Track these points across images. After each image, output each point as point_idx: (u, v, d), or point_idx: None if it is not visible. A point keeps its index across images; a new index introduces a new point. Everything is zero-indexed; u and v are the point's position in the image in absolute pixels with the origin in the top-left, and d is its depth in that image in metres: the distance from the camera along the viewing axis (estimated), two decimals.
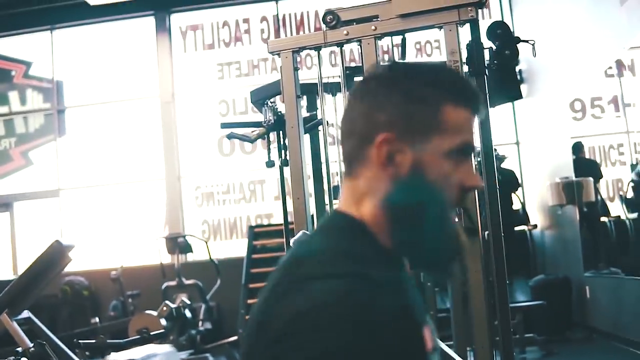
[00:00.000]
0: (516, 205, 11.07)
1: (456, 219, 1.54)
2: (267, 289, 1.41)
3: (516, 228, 10.85)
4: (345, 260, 1.37)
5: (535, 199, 11.57)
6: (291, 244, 3.03)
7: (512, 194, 10.65)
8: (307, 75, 7.51)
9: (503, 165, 10.41)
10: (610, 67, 8.10)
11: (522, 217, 11.28)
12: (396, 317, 1.27)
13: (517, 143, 12.23)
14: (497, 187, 4.54)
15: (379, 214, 1.48)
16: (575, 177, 9.19)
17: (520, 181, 11.31)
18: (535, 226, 11.33)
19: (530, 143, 11.86)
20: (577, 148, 9.25)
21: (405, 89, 1.49)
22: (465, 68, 4.55)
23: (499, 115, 10.96)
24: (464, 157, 1.50)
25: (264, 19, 12.72)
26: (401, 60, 1.52)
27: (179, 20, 12.89)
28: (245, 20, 12.76)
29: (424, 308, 1.52)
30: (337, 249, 1.42)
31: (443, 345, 4.05)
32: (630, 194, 8.18)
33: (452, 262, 1.54)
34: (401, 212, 1.47)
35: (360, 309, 1.24)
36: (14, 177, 12.93)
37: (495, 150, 5.22)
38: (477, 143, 1.54)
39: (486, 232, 4.56)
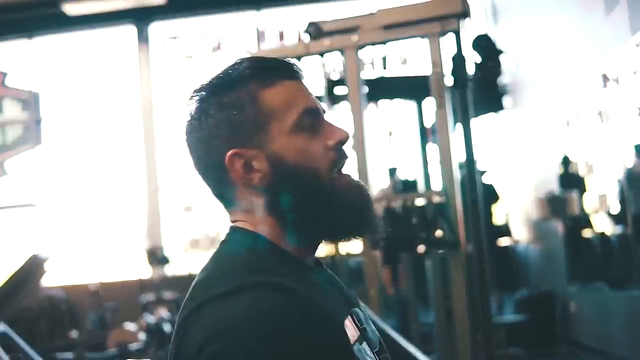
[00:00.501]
0: (499, 219, 11.03)
1: (352, 179, 1.53)
2: (179, 317, 1.42)
3: (500, 242, 10.81)
4: (243, 274, 1.38)
5: (519, 213, 11.54)
6: None
7: (492, 208, 10.60)
8: None
9: (483, 179, 10.36)
10: (595, 79, 8.07)
11: (505, 230, 11.25)
12: (301, 319, 1.28)
13: (501, 156, 12.19)
14: (478, 200, 4.50)
15: (270, 221, 1.49)
16: (560, 190, 9.17)
17: (499, 195, 11.26)
18: (517, 240, 11.31)
19: (514, 156, 11.84)
20: (565, 162, 9.23)
21: (218, 104, 1.50)
22: (450, 80, 4.52)
23: (483, 127, 10.94)
24: (313, 121, 1.49)
25: (245, 29, 12.65)
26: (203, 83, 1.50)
27: (159, 30, 12.80)
28: (226, 31, 12.69)
29: (347, 300, 1.57)
30: (236, 265, 1.43)
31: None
32: (614, 208, 8.15)
33: (365, 216, 1.51)
34: (288, 207, 1.47)
35: (264, 319, 1.26)
36: None
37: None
38: (313, 102, 1.52)
39: (469, 246, 4.51)
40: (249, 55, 1.57)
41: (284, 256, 1.47)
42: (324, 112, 1.54)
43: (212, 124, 1.50)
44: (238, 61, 1.53)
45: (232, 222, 1.55)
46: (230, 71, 1.53)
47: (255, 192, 1.49)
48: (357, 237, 1.56)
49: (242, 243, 1.49)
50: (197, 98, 1.55)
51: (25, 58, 12.88)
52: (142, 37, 12.65)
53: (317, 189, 1.46)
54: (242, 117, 1.48)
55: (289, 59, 1.55)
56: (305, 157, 1.46)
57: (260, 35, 12.49)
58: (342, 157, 1.50)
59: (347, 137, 1.50)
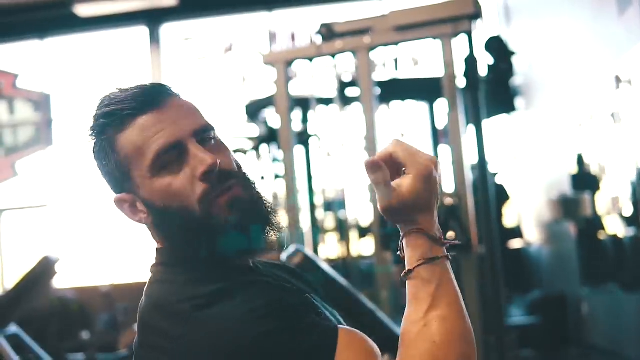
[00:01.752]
0: (511, 221, 11.00)
1: (231, 200, 1.49)
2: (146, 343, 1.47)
3: (512, 244, 10.77)
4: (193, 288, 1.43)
5: (531, 214, 11.50)
6: (282, 258, 2.96)
7: (504, 209, 10.56)
8: (301, 91, 7.42)
9: (495, 180, 10.31)
10: (608, 81, 8.04)
11: (517, 232, 11.21)
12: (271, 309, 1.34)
13: (514, 157, 12.16)
14: (490, 202, 4.49)
15: (175, 249, 1.53)
16: (573, 192, 9.12)
17: (511, 196, 11.21)
18: (529, 242, 11.27)
19: (526, 157, 11.80)
20: (578, 163, 9.18)
21: (93, 153, 1.56)
22: (462, 81, 4.52)
23: (495, 128, 10.92)
24: (172, 158, 1.47)
25: (256, 30, 12.62)
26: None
27: (171, 31, 12.78)
28: (238, 32, 12.67)
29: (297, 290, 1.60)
30: (181, 284, 1.46)
31: None
32: (627, 210, 8.11)
33: (248, 234, 1.49)
34: (175, 240, 1.51)
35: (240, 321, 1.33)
36: (1, 189, 12.77)
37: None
38: (169, 138, 1.49)
39: (481, 248, 4.50)
40: (107, 94, 1.61)
41: (213, 265, 1.49)
42: (198, 131, 1.52)
43: (98, 168, 1.56)
44: (98, 103, 1.58)
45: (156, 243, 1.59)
46: (93, 116, 1.56)
47: (149, 229, 1.58)
48: (252, 255, 1.58)
49: (173, 264, 1.52)
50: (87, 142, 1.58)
51: (37, 59, 12.88)
52: (154, 39, 12.65)
53: (192, 225, 1.46)
54: (109, 166, 1.51)
55: (152, 81, 1.62)
56: (170, 196, 1.46)
57: (272, 37, 12.47)
58: (216, 183, 1.47)
59: (214, 165, 1.46)
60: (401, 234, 1.41)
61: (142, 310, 1.49)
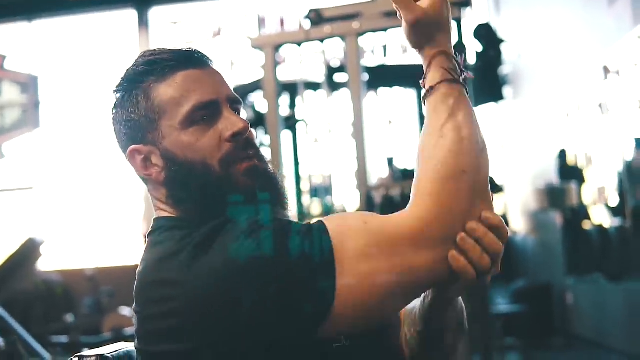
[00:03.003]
0: (498, 209, 11.00)
1: (251, 168, 1.53)
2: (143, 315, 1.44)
3: None
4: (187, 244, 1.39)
5: (518, 204, 11.51)
6: None
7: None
8: (289, 76, 7.40)
9: None
10: (596, 71, 8.04)
11: (503, 221, 11.22)
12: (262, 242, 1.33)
13: (501, 146, 12.16)
14: None
15: (180, 210, 1.54)
16: (559, 181, 9.13)
17: (498, 185, 11.21)
18: (515, 231, 11.29)
19: (514, 147, 11.81)
20: (565, 153, 9.19)
21: (120, 102, 1.60)
22: None
23: (483, 117, 10.90)
24: (206, 114, 1.52)
25: (245, 15, 12.57)
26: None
27: (159, 14, 12.73)
28: (227, 16, 12.62)
29: None
30: (179, 243, 1.42)
31: None
32: (613, 200, 8.13)
33: (258, 204, 1.51)
34: (187, 199, 1.51)
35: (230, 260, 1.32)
36: None
37: None
38: (209, 95, 1.54)
39: None
40: (150, 49, 1.61)
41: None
42: (231, 99, 1.57)
43: (117, 121, 1.60)
44: (138, 55, 1.59)
45: (156, 211, 1.60)
46: (130, 67, 1.58)
47: (157, 184, 1.56)
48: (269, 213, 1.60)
49: (172, 227, 1.50)
50: (111, 95, 1.61)
51: (25, 41, 12.81)
52: (143, 22, 12.59)
53: (208, 182, 1.48)
54: (137, 114, 1.53)
55: (193, 46, 1.62)
56: (195, 151, 1.49)
57: (261, 21, 12.43)
58: (240, 148, 1.52)
59: (245, 128, 1.52)
60: (423, 58, 1.49)
61: (140, 273, 1.48)
